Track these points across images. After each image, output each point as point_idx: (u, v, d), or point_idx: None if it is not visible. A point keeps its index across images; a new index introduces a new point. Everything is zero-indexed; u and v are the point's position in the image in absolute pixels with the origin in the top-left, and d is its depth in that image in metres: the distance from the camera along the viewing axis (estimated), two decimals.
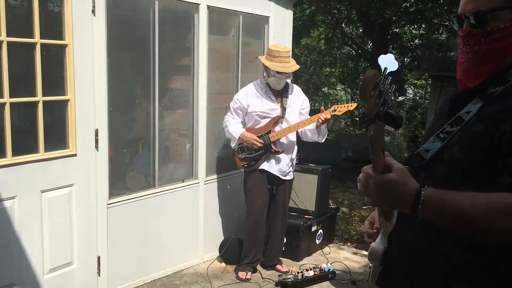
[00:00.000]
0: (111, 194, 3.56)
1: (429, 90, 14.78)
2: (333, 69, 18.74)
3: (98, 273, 3.52)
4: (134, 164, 3.89)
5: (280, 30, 4.80)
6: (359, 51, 13.73)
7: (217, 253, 4.38)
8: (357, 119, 17.80)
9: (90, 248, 3.46)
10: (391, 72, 1.13)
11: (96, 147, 3.40)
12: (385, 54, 2.96)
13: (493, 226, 1.10)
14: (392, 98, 1.08)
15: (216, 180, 4.41)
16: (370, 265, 1.50)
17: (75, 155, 3.28)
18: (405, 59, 13.35)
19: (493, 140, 1.17)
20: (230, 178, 4.53)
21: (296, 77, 15.93)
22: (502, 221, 1.08)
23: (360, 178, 1.22)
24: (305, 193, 4.67)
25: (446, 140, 1.29)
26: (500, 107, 1.20)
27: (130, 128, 3.89)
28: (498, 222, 1.09)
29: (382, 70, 1.09)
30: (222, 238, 4.45)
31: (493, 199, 1.10)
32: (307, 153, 4.99)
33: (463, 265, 1.24)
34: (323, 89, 20.14)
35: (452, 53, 11.49)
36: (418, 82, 15.80)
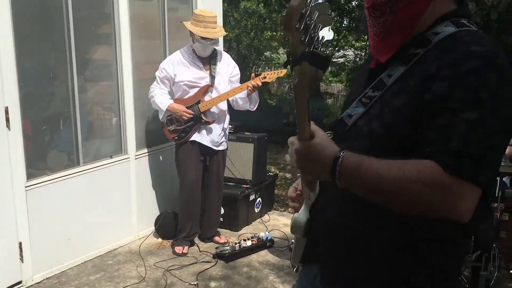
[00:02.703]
0: (30, 175, 3.33)
1: (368, 51, 14.94)
2: (274, 33, 18.51)
3: (21, 259, 3.31)
4: (54, 141, 3.63)
5: None
6: None
7: (152, 229, 4.25)
8: None
9: (9, 234, 3.23)
10: (318, 4, 1.00)
11: (8, 126, 3.12)
12: None
13: (405, 192, 1.04)
14: (320, 38, 0.97)
15: (147, 154, 4.23)
16: (292, 240, 1.44)
17: None
18: (344, 20, 13.37)
19: (416, 112, 1.09)
20: (162, 151, 4.36)
21: (238, 42, 15.64)
22: (414, 188, 1.03)
23: (288, 150, 1.18)
24: (241, 162, 4.58)
25: (368, 105, 1.21)
26: (422, 75, 1.11)
27: (47, 103, 3.61)
28: (410, 188, 1.03)
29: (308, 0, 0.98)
30: (157, 213, 4.30)
31: (408, 164, 1.05)
32: (247, 120, 4.87)
33: (383, 243, 1.18)
34: (265, 54, 19.93)
35: None
36: (357, 44, 15.89)
